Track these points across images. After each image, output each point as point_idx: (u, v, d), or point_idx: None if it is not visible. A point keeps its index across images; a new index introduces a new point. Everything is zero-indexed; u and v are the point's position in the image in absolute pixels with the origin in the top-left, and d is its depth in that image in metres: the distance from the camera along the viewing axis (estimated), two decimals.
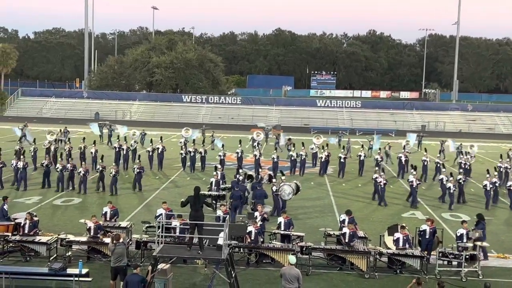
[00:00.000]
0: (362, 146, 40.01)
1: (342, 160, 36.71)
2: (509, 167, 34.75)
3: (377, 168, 31.31)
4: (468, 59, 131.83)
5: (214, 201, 25.38)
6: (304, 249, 18.74)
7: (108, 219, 20.93)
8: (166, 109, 79.96)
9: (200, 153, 37.63)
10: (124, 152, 36.96)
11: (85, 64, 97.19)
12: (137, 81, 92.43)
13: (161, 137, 40.16)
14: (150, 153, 37.83)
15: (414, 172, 29.25)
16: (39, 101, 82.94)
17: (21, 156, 30.91)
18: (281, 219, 20.48)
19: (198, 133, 48.53)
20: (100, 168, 30.14)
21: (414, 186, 28.62)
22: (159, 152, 37.44)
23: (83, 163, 32.45)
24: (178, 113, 77.60)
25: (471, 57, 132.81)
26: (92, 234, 19.10)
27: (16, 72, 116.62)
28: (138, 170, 30.49)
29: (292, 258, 15.18)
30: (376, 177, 29.23)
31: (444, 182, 29.54)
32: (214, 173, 28.21)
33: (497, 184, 29.57)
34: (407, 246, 18.93)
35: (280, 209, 24.99)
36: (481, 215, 21.18)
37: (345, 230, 19.23)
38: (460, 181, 29.63)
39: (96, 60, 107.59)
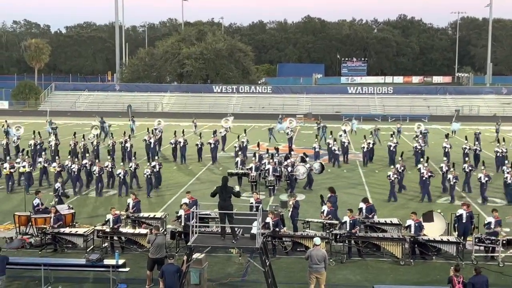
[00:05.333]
0: (392, 135, 38.33)
1: (369, 147, 36.35)
2: (479, 149, 34.56)
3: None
4: (501, 42, 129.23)
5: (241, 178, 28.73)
6: (338, 237, 18.75)
7: (130, 210, 21.07)
8: (197, 100, 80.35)
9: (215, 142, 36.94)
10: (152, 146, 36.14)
11: (116, 57, 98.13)
12: (168, 73, 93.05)
13: (183, 130, 38.99)
14: (173, 145, 37.07)
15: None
16: (72, 95, 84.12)
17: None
18: (325, 207, 20.47)
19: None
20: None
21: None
22: (181, 146, 36.57)
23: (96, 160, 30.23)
24: (209, 104, 77.88)
25: (504, 39, 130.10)
26: (111, 226, 19.17)
27: (49, 67, 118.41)
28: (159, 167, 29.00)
29: (317, 240, 15.73)
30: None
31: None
32: (240, 153, 31.58)
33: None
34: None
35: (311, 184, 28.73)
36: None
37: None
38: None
39: (127, 52, 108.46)
